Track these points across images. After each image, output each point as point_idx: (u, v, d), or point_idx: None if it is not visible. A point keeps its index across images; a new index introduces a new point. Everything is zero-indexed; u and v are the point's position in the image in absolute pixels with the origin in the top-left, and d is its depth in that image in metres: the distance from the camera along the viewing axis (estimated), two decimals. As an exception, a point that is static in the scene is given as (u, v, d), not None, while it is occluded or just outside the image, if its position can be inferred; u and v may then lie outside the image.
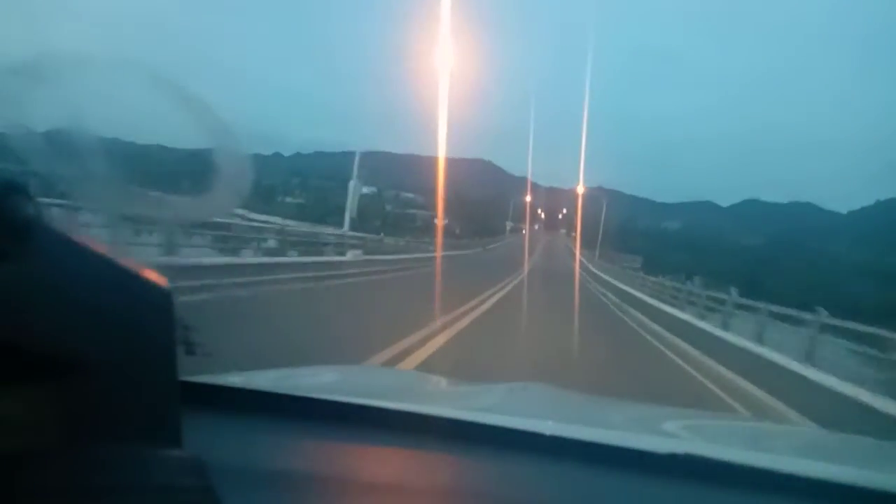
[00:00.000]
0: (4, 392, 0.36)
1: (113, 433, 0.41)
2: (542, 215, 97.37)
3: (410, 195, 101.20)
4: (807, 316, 7.29)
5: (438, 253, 23.66)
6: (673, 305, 13.25)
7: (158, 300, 0.45)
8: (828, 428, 4.33)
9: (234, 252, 9.92)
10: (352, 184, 19.88)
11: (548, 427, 0.87)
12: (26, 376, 0.36)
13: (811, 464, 0.88)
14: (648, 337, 10.91)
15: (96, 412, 0.41)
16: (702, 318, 11.02)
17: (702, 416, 1.87)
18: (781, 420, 5.24)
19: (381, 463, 0.75)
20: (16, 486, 0.35)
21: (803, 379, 6.15)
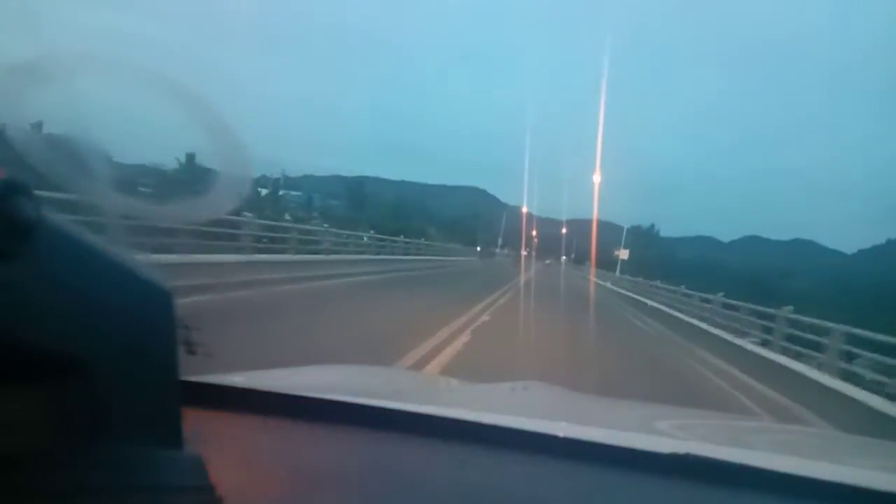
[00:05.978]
0: (4, 392, 0.36)
1: (113, 433, 0.41)
2: (535, 240, 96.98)
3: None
4: None
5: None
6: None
7: (159, 300, 0.45)
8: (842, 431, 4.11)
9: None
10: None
11: (549, 427, 0.86)
12: (26, 376, 0.36)
13: (816, 465, 0.87)
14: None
15: (96, 412, 0.41)
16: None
17: (708, 417, 1.83)
18: (797, 422, 5.01)
19: (382, 463, 0.74)
20: (16, 486, 0.35)
21: None
